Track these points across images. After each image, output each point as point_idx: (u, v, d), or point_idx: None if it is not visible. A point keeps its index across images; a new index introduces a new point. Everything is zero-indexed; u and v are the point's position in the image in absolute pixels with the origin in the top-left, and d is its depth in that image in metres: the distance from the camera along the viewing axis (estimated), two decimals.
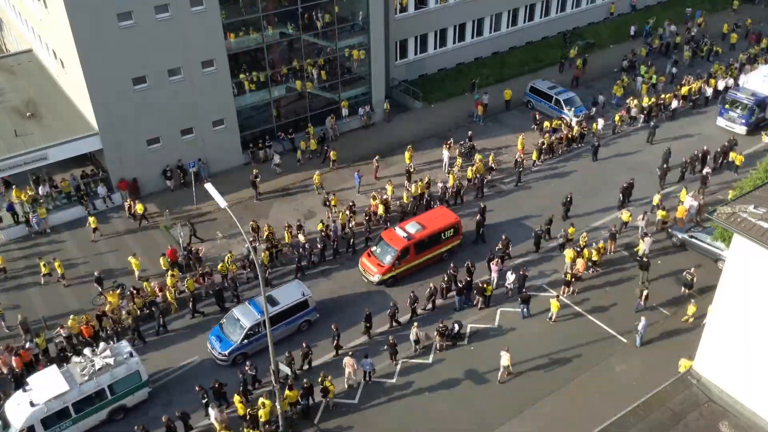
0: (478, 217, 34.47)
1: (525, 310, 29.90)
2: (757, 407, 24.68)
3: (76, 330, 28.68)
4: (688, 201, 34.95)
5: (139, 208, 35.34)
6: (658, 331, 29.06)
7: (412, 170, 38.55)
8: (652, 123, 42.68)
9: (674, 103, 44.59)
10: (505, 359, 26.93)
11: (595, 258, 31.96)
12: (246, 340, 28.19)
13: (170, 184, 37.92)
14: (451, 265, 31.53)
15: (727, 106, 43.51)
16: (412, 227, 32.15)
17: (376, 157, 39.49)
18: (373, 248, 32.48)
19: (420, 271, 32.58)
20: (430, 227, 32.25)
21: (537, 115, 43.54)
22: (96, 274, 31.35)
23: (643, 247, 32.56)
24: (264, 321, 26.10)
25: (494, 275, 31.44)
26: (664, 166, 38.35)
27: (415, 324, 28.67)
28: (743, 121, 42.70)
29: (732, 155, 39.19)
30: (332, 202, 35.85)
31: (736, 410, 25.22)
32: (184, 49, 35.19)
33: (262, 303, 23.62)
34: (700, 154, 39.03)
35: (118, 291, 30.29)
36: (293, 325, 29.33)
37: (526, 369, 27.78)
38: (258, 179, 37.59)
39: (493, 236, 34.08)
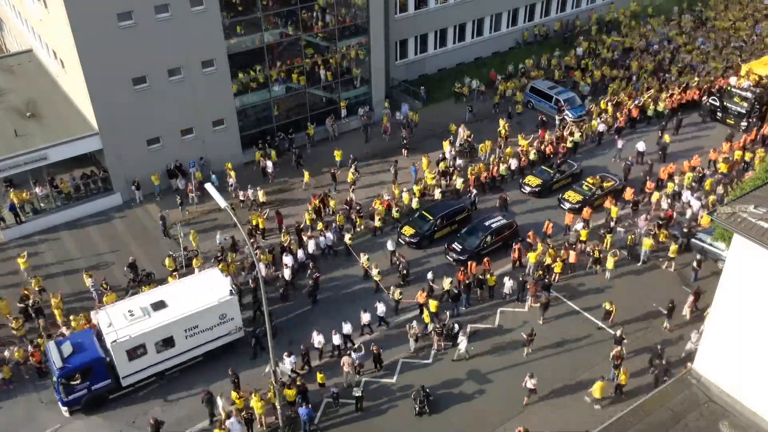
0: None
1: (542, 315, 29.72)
2: (757, 407, 24.69)
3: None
4: (693, 202, 35.00)
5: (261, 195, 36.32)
6: (657, 331, 29.09)
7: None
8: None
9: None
10: (530, 384, 25.84)
11: (595, 254, 32.00)
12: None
13: (174, 184, 37.89)
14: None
15: None
16: None
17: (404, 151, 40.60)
18: None
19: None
20: None
21: (542, 117, 43.58)
22: (130, 260, 31.64)
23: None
24: None
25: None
26: None
27: (413, 323, 28.68)
28: None
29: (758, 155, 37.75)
30: (328, 202, 36.02)
31: (735, 410, 25.17)
32: (184, 49, 35.19)
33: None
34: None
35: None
36: None
37: (527, 369, 27.73)
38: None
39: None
